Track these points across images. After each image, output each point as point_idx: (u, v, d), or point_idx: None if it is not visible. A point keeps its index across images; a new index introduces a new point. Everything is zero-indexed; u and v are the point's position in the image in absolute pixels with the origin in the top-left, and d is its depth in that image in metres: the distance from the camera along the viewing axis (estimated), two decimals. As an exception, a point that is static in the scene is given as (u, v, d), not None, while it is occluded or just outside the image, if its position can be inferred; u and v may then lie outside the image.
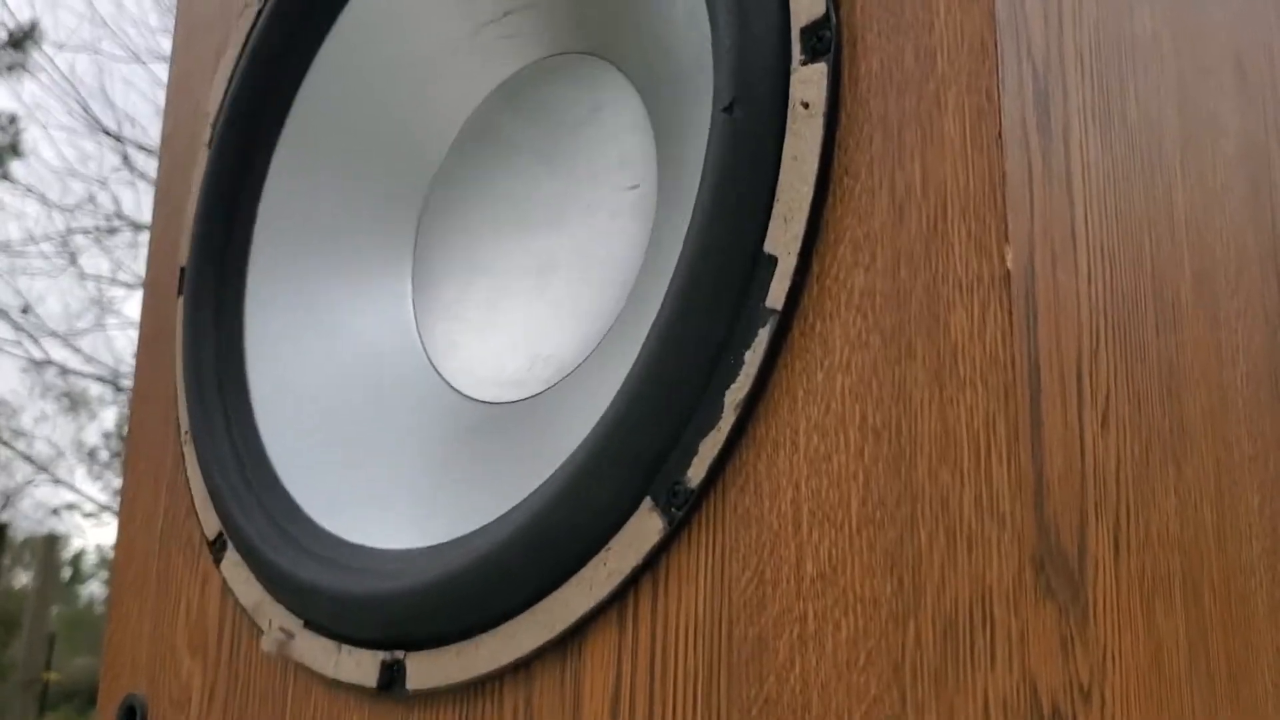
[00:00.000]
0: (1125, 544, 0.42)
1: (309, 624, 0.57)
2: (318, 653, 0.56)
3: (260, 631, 0.60)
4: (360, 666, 0.54)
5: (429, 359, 0.65)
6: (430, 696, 0.52)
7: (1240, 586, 0.49)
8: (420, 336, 0.66)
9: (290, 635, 0.58)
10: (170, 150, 0.80)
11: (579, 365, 0.56)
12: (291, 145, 0.68)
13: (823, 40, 0.44)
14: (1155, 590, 0.43)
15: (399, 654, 0.52)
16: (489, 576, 0.48)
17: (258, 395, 0.65)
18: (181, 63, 0.81)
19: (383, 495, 0.60)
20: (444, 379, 0.63)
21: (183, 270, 0.71)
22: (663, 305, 0.45)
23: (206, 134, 0.72)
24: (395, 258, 0.68)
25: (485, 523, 0.51)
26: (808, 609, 0.41)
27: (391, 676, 0.53)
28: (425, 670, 0.51)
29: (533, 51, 0.65)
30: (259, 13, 0.70)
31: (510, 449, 0.56)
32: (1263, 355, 0.55)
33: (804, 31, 0.45)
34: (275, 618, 0.59)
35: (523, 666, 0.48)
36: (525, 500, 0.49)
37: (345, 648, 0.55)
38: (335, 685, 0.56)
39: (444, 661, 0.50)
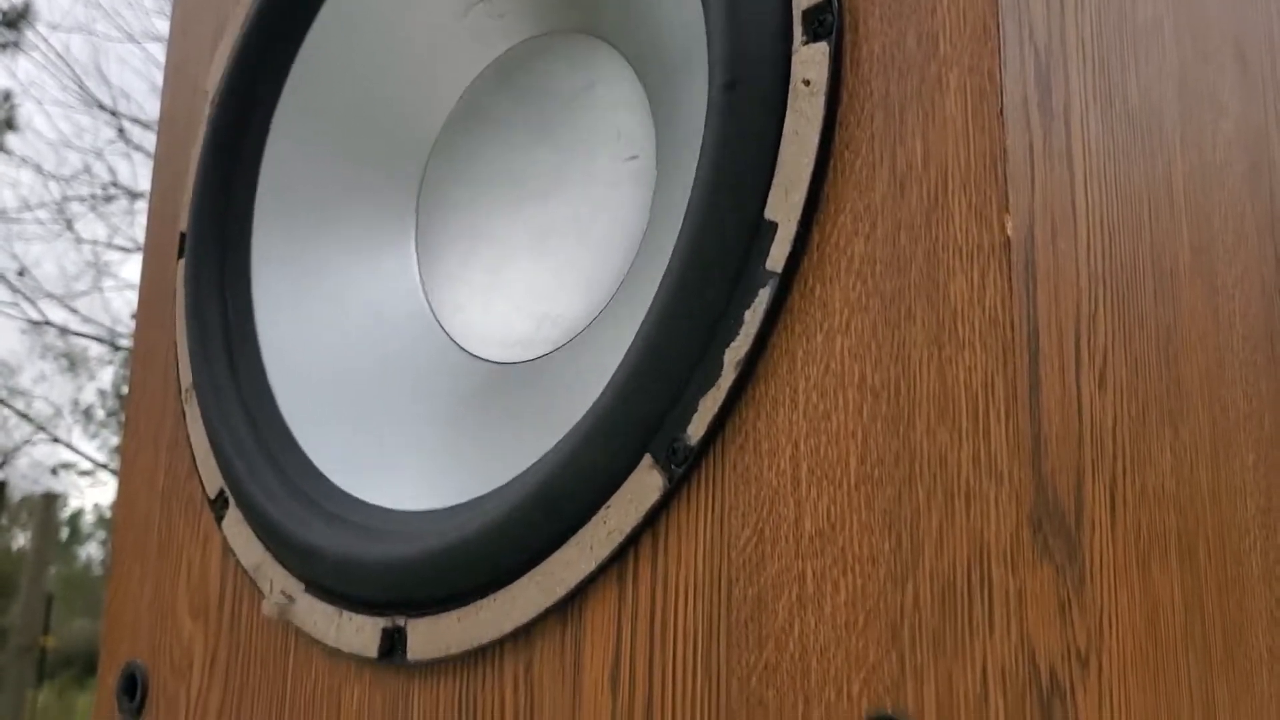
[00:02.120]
0: (1121, 501, 0.42)
1: (310, 587, 0.57)
2: (318, 618, 0.56)
3: (262, 595, 0.60)
4: (361, 634, 0.54)
5: (436, 320, 0.65)
6: (430, 663, 0.52)
7: (1235, 545, 0.50)
8: (427, 299, 0.66)
9: (291, 600, 0.58)
10: (168, 127, 0.79)
11: (587, 326, 0.56)
12: (289, 114, 0.68)
13: (824, 23, 0.45)
14: (1151, 549, 0.44)
15: (400, 620, 0.53)
16: (496, 542, 0.48)
17: (269, 353, 0.65)
18: (180, 41, 0.81)
19: (393, 454, 0.60)
20: (452, 339, 0.64)
21: (182, 235, 0.71)
22: (667, 269, 0.45)
23: (206, 111, 0.72)
24: (397, 225, 0.68)
25: (495, 484, 0.51)
26: (806, 568, 0.41)
27: (392, 644, 0.53)
28: (426, 639, 0.51)
29: (524, 29, 0.65)
30: None
31: (520, 409, 0.56)
32: (1260, 320, 0.55)
33: (806, 14, 0.45)
34: (276, 579, 0.59)
35: (523, 632, 0.49)
36: (534, 465, 0.49)
37: (346, 614, 0.55)
38: (336, 652, 0.56)
39: (444, 628, 0.51)
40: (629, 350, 0.46)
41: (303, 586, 0.58)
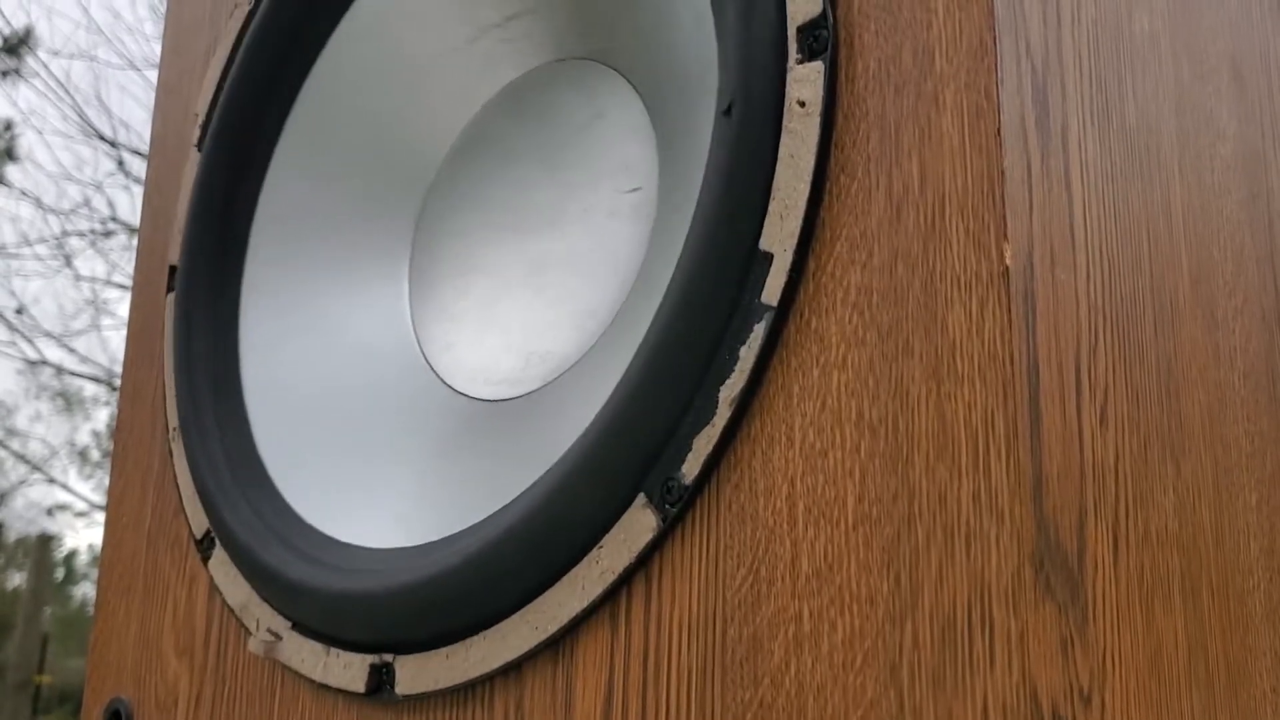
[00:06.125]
0: (1124, 542, 0.41)
1: (297, 625, 0.57)
2: (305, 655, 0.56)
3: (248, 633, 0.59)
4: (348, 670, 0.53)
5: (424, 357, 0.64)
6: (419, 700, 0.51)
7: (1238, 586, 0.49)
8: (416, 335, 0.66)
9: (278, 637, 0.57)
10: (159, 150, 0.79)
11: (576, 363, 0.55)
12: (291, 146, 0.68)
13: (819, 39, 0.44)
14: (1154, 590, 0.43)
15: (388, 657, 0.52)
16: (480, 576, 0.48)
17: (251, 393, 0.64)
18: (171, 63, 0.81)
19: (375, 494, 0.59)
20: (439, 376, 0.63)
21: (172, 268, 0.71)
22: (661, 304, 0.45)
23: (195, 135, 0.72)
24: (392, 259, 0.68)
25: (478, 521, 0.51)
26: (803, 608, 0.40)
27: (380, 680, 0.52)
28: (414, 674, 0.51)
29: (535, 57, 0.65)
30: (250, 13, 0.69)
31: (505, 446, 0.56)
32: (1260, 355, 0.54)
33: (801, 30, 0.45)
34: (262, 618, 0.58)
35: (513, 669, 0.48)
36: (518, 498, 0.49)
37: (334, 650, 0.54)
38: (323, 688, 0.55)
39: (433, 665, 0.50)
40: (618, 387, 0.45)
41: (289, 624, 0.57)
